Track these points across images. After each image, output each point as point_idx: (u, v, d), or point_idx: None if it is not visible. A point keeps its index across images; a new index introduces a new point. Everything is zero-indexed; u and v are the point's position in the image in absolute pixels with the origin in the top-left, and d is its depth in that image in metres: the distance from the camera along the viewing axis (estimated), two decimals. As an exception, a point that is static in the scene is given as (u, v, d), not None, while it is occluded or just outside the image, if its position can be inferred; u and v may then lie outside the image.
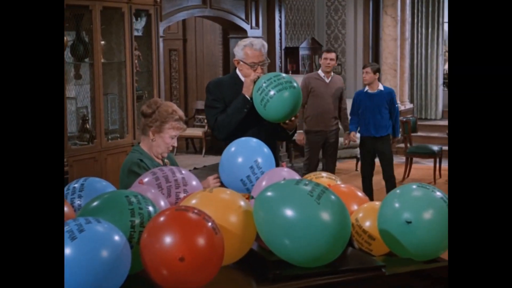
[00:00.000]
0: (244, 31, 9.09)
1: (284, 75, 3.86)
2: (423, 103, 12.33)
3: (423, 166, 9.64)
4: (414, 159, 9.16)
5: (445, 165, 9.21)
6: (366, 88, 7.20)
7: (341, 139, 7.80)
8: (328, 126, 7.32)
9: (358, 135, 7.43)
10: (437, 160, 8.90)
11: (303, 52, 10.61)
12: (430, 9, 12.06)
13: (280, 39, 10.03)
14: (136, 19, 6.80)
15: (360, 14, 11.36)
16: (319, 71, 7.34)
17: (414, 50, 12.16)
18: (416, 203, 2.48)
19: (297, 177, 2.86)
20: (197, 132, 10.83)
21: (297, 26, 11.04)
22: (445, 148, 9.60)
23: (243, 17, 9.06)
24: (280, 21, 9.99)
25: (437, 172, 8.94)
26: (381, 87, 7.17)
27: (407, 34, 11.48)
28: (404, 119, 9.04)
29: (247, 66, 4.01)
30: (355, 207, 2.85)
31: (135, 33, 6.75)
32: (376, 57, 11.50)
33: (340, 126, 7.63)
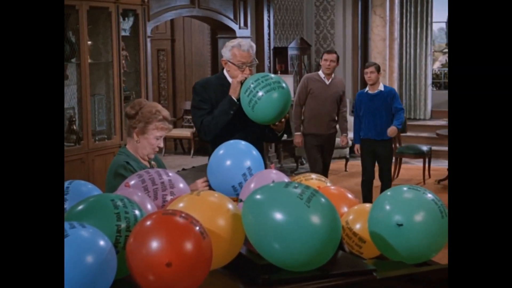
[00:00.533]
0: (232, 31, 9.04)
1: (272, 75, 3.77)
2: (412, 103, 12.31)
3: (412, 166, 9.63)
4: (404, 159, 9.13)
5: (434, 165, 9.23)
6: (367, 88, 6.84)
7: (338, 139, 7.52)
8: (325, 129, 6.96)
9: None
10: (426, 160, 8.88)
11: (291, 52, 10.53)
12: (418, 9, 12.04)
13: (269, 39, 9.97)
14: (124, 19, 6.72)
15: (349, 14, 11.31)
16: (320, 72, 6.99)
17: (403, 50, 12.12)
18: (407, 206, 2.45)
19: (286, 179, 2.83)
20: (186, 132, 10.77)
21: (286, 26, 10.98)
22: (434, 148, 9.62)
23: (232, 17, 9.01)
24: (269, 21, 9.93)
25: (426, 172, 8.91)
26: (381, 87, 6.78)
27: (396, 34, 11.47)
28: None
29: (235, 66, 3.94)
30: (345, 209, 2.82)
31: (123, 33, 6.66)
32: (365, 57, 11.44)
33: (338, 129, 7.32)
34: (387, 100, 6.67)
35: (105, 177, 3.40)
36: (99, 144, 6.34)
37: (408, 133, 10.00)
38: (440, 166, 9.56)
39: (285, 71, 10.17)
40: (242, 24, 9.20)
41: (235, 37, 8.91)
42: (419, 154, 8.81)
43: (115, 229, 2.17)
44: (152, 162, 3.41)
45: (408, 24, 12.07)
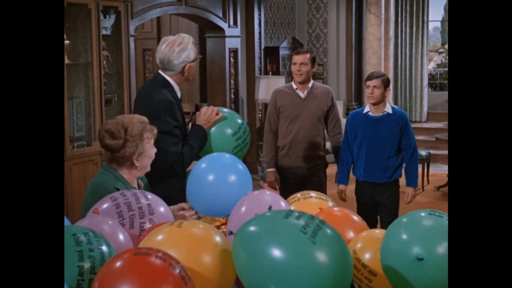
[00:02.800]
0: (221, 30, 8.73)
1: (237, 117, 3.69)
2: (408, 105, 12.12)
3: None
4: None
5: (432, 170, 8.88)
6: (367, 108, 4.77)
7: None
8: (302, 160, 5.07)
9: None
10: (425, 165, 8.53)
11: (283, 52, 10.23)
12: (414, 7, 11.86)
13: (260, 38, 9.67)
14: (104, 17, 6.33)
15: (343, 13, 11.06)
16: (293, 82, 5.12)
17: (398, 50, 11.95)
18: (427, 235, 2.15)
19: (282, 202, 2.53)
20: (173, 135, 10.38)
21: (277, 25, 10.74)
22: (433, 152, 9.29)
23: (221, 15, 8.68)
24: (260, 20, 9.65)
25: (425, 178, 8.56)
26: (389, 109, 4.71)
27: (391, 33, 11.22)
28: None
29: (195, 64, 3.68)
30: (351, 234, 2.58)
31: (103, 32, 6.26)
32: (359, 57, 11.25)
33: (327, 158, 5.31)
34: (396, 128, 4.67)
35: (84, 188, 3.00)
36: (78, 151, 5.92)
37: (405, 137, 9.69)
38: (439, 172, 9.25)
39: (276, 72, 9.90)
40: (231, 23, 8.87)
41: (224, 37, 8.61)
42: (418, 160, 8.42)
43: (77, 272, 1.87)
44: (139, 182, 3.00)
45: (403, 23, 11.92)
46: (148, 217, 2.38)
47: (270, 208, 2.22)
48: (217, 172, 2.82)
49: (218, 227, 3.03)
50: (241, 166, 2.89)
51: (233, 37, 8.82)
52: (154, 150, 2.95)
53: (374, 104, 4.69)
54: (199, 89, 10.31)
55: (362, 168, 4.79)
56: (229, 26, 8.81)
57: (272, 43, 10.52)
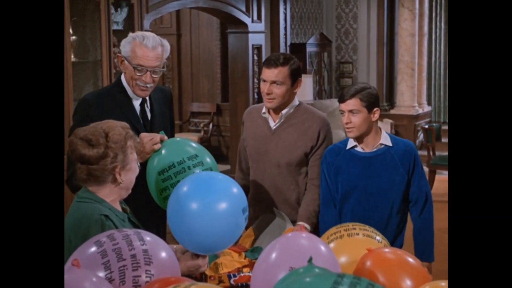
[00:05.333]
0: (244, 25, 8.34)
1: (195, 153, 2.74)
2: (442, 105, 11.65)
3: (447, 178, 8.70)
4: (437, 170, 8.22)
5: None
6: (351, 142, 3.15)
7: None
8: (267, 221, 3.28)
9: None
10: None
11: (310, 49, 9.98)
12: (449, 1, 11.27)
13: (285, 34, 9.35)
14: (116, 10, 6.03)
15: (374, 7, 10.68)
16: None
17: (432, 47, 11.52)
18: None
19: (322, 246, 1.96)
20: (193, 137, 9.95)
21: (304, 19, 10.43)
22: (472, 157, 8.74)
23: (244, 9, 8.29)
24: (285, 14, 9.33)
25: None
26: (386, 140, 3.12)
27: (425, 29, 10.74)
28: (427, 126, 8.07)
29: (131, 68, 2.87)
30: (408, 283, 2.10)
31: (114, 27, 5.96)
32: (391, 55, 10.87)
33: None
34: (400, 169, 3.08)
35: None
36: (85, 159, 5.45)
37: (441, 140, 9.22)
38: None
39: (303, 70, 9.37)
40: (255, 18, 8.49)
41: (247, 32, 8.18)
42: (456, 166, 7.84)
43: None
44: (123, 206, 2.41)
45: (438, 18, 11.49)
46: (144, 268, 1.81)
47: (310, 260, 1.65)
48: (202, 197, 2.22)
49: (240, 270, 2.46)
50: (236, 189, 2.30)
51: (257, 33, 8.42)
52: (138, 164, 2.36)
53: (358, 138, 3.10)
54: (220, 88, 9.90)
55: None
56: (252, 21, 8.41)
57: (299, 39, 10.23)
